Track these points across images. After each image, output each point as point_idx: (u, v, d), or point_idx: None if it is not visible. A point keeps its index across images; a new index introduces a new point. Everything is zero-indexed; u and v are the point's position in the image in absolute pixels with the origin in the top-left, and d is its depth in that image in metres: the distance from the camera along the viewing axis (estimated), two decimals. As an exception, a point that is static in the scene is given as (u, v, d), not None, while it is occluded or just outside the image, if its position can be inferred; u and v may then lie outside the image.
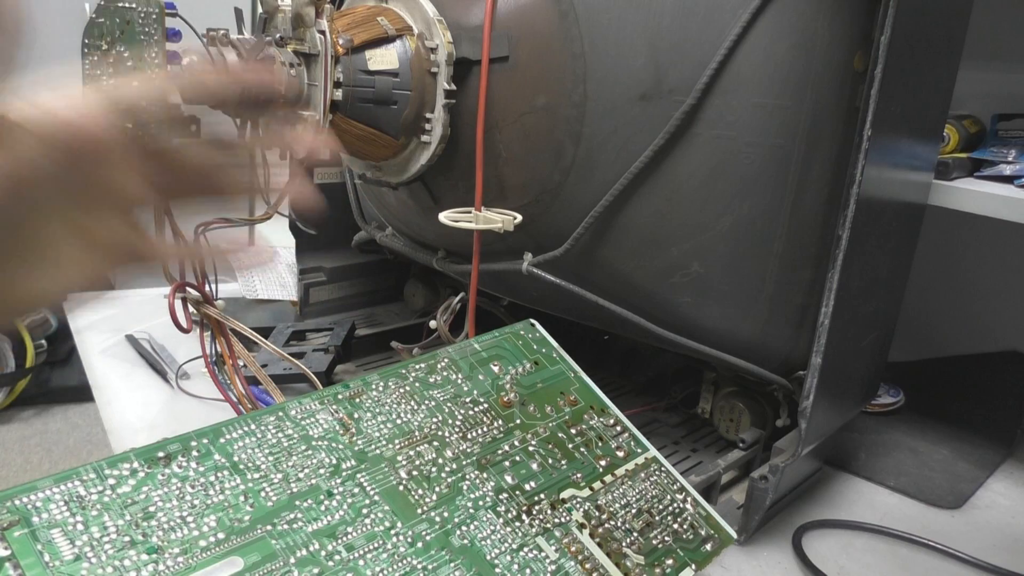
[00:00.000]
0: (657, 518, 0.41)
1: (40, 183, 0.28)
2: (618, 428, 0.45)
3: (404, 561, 0.33)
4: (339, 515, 0.33)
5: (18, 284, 0.29)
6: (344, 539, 0.32)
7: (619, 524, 0.39)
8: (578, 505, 0.39)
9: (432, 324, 0.57)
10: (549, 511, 0.38)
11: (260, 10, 0.46)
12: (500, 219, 0.50)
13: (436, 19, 0.50)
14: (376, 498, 0.34)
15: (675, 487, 0.44)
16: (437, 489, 0.36)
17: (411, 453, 0.37)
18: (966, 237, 0.81)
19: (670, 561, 0.39)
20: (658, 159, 0.48)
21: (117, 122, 0.29)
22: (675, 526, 0.41)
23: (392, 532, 0.33)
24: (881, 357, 0.59)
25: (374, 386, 0.39)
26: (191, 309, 0.47)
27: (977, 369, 0.81)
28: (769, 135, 0.47)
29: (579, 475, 0.41)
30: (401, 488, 0.35)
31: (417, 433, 0.38)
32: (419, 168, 0.53)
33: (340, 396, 0.38)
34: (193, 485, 0.31)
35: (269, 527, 0.31)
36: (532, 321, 0.49)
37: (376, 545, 0.33)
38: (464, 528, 0.35)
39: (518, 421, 0.42)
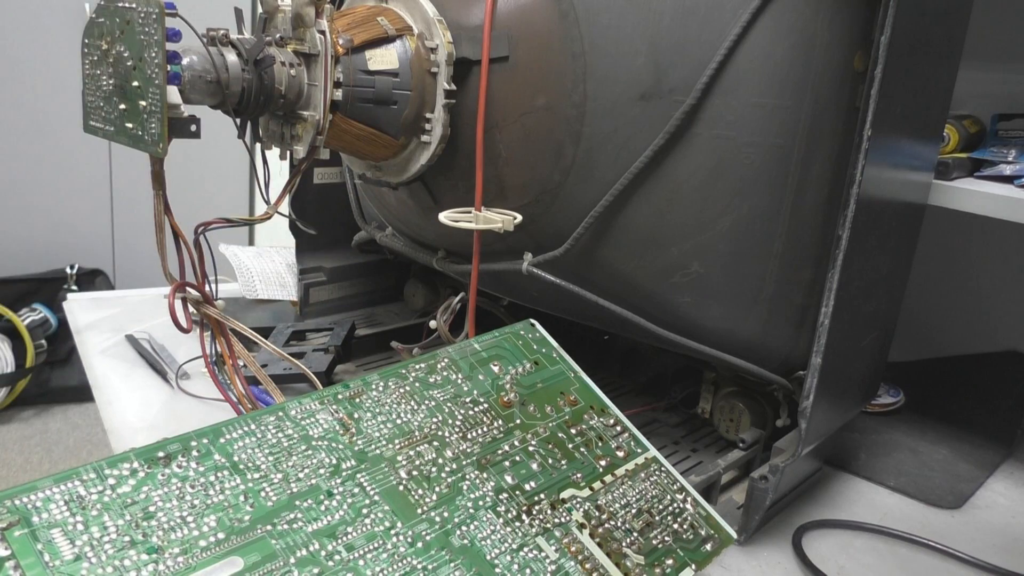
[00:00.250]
0: (657, 518, 0.41)
1: None
2: (618, 428, 0.45)
3: (404, 561, 0.33)
4: (339, 515, 0.33)
5: None
6: (344, 539, 0.32)
7: (619, 524, 0.39)
8: (578, 505, 0.39)
9: (432, 324, 0.57)
10: (549, 511, 0.38)
11: (260, 10, 0.46)
12: (500, 219, 0.50)
13: (436, 19, 0.50)
14: (376, 498, 0.34)
15: (675, 487, 0.44)
16: (437, 489, 0.36)
17: (411, 453, 0.37)
18: (966, 237, 0.81)
19: (670, 561, 0.39)
20: (658, 159, 0.48)
21: None
22: (675, 526, 0.41)
23: (392, 532, 0.33)
24: (881, 357, 0.59)
25: (374, 386, 0.39)
26: (191, 309, 0.47)
27: (977, 369, 0.81)
28: (769, 135, 0.47)
29: (579, 475, 0.41)
30: (401, 488, 0.35)
31: (417, 433, 0.38)
32: (419, 168, 0.53)
33: (340, 396, 0.38)
34: (193, 485, 0.31)
35: (269, 527, 0.31)
36: (532, 321, 0.49)
37: (376, 545, 0.33)
38: (464, 528, 0.35)
39: (518, 421, 0.42)
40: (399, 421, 0.38)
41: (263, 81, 0.43)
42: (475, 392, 0.42)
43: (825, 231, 0.50)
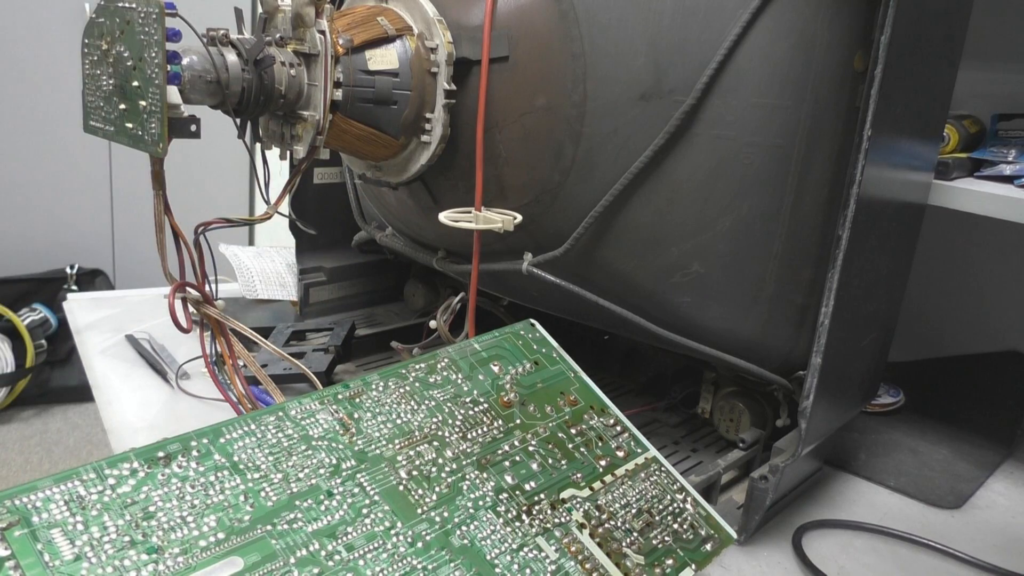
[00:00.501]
0: (657, 518, 0.41)
1: None
2: (618, 428, 0.45)
3: (404, 561, 0.33)
4: (339, 515, 0.33)
5: None
6: (344, 539, 0.32)
7: (619, 524, 0.39)
8: (578, 505, 0.39)
9: (432, 324, 0.57)
10: (549, 511, 0.38)
11: (260, 10, 0.46)
12: (500, 219, 0.50)
13: (436, 19, 0.50)
14: (376, 498, 0.34)
15: (675, 487, 0.44)
16: (437, 489, 0.36)
17: (411, 453, 0.37)
18: (966, 237, 0.81)
19: (670, 561, 0.39)
20: (658, 159, 0.48)
21: None
22: (675, 526, 0.41)
23: (392, 532, 0.33)
24: (881, 357, 0.59)
25: (374, 386, 0.39)
26: (191, 309, 0.47)
27: (977, 369, 0.81)
28: (769, 135, 0.47)
29: (579, 475, 0.41)
30: (401, 488, 0.35)
31: (417, 433, 0.38)
32: (419, 168, 0.53)
33: (340, 396, 0.38)
34: (193, 485, 0.31)
35: (269, 527, 0.31)
36: (532, 321, 0.49)
37: (376, 545, 0.33)
38: (464, 528, 0.35)
39: (518, 421, 0.42)
40: (399, 421, 0.38)
41: (263, 81, 0.43)
42: (475, 392, 0.42)
43: (825, 231, 0.50)
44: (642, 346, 0.70)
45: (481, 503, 0.37)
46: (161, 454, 0.31)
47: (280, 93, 0.44)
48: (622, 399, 0.67)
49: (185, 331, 0.45)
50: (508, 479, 0.38)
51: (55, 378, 1.81)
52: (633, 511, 0.41)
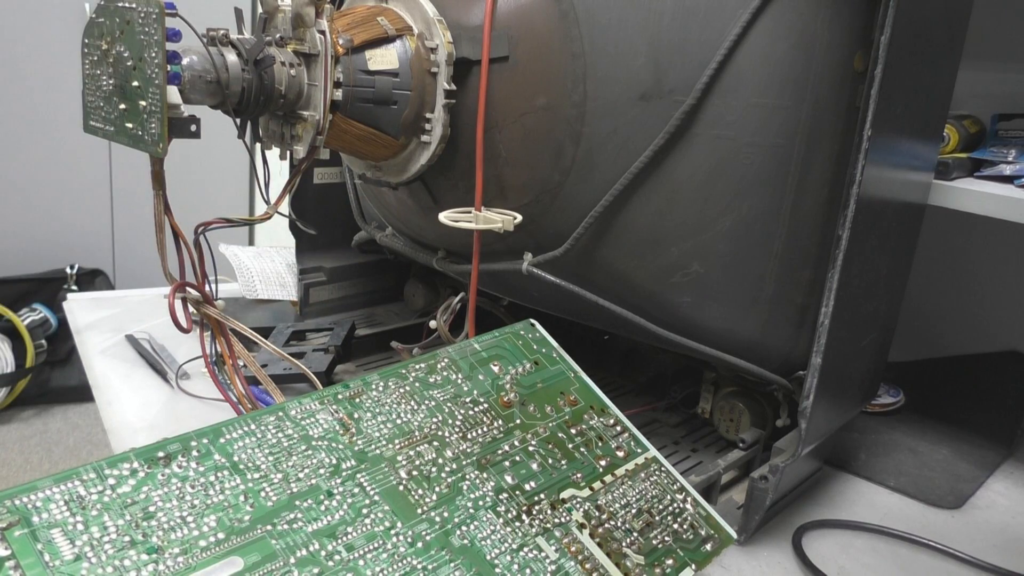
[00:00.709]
0: (657, 518, 0.41)
1: None
2: (618, 428, 0.45)
3: (404, 561, 0.33)
4: (339, 515, 0.33)
5: None
6: (344, 539, 0.32)
7: (619, 524, 0.39)
8: (578, 505, 0.39)
9: (432, 324, 0.57)
10: (549, 511, 0.38)
11: (260, 10, 0.46)
12: (500, 219, 0.50)
13: (436, 19, 0.50)
14: (376, 498, 0.34)
15: (675, 487, 0.44)
16: (437, 489, 0.36)
17: (411, 453, 0.37)
18: (966, 237, 0.81)
19: (670, 561, 0.39)
20: (658, 159, 0.48)
21: None
22: (675, 526, 0.41)
23: (392, 532, 0.33)
24: (881, 357, 0.59)
25: (374, 386, 0.39)
26: (191, 309, 0.47)
27: (977, 369, 0.81)
28: (769, 135, 0.47)
29: (579, 475, 0.41)
30: (401, 488, 0.35)
31: (417, 433, 0.38)
32: (419, 168, 0.53)
33: (340, 396, 0.38)
34: (193, 485, 0.31)
35: (269, 527, 0.31)
36: (532, 321, 0.49)
37: (376, 545, 0.33)
38: (464, 528, 0.35)
39: (518, 421, 0.42)
40: (399, 421, 0.38)
41: (263, 81, 0.43)
42: (475, 392, 0.42)
43: (825, 231, 0.50)
44: (642, 346, 0.70)
45: (481, 503, 0.37)
46: (161, 454, 0.31)
47: (280, 93, 0.44)
48: (622, 399, 0.67)
49: (185, 331, 0.45)
50: (508, 479, 0.38)
51: (55, 378, 1.81)
52: (633, 511, 0.41)
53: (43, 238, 1.88)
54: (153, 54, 0.38)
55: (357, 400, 0.38)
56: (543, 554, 0.36)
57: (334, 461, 0.35)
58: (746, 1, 0.46)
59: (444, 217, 0.50)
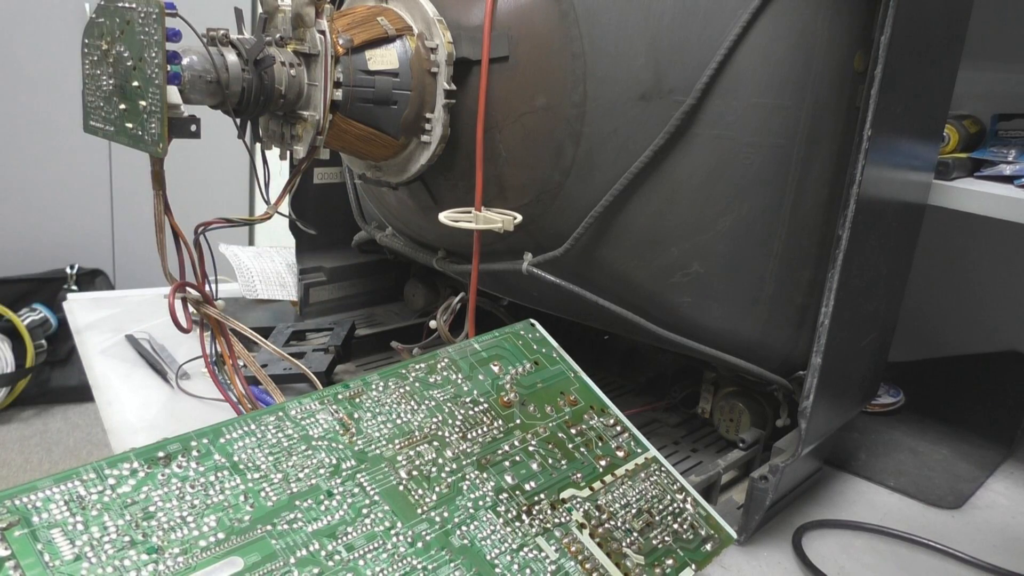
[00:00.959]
0: (657, 518, 0.41)
1: None
2: (618, 428, 0.45)
3: (404, 561, 0.33)
4: (339, 515, 0.33)
5: None
6: (344, 539, 0.32)
7: (619, 524, 0.39)
8: (578, 505, 0.39)
9: (432, 324, 0.57)
10: (549, 511, 0.38)
11: (260, 10, 0.46)
12: (500, 219, 0.50)
13: (436, 19, 0.50)
14: (376, 498, 0.34)
15: (675, 487, 0.44)
16: (437, 489, 0.36)
17: (411, 453, 0.37)
18: (966, 237, 0.81)
19: (670, 561, 0.39)
20: (658, 159, 0.48)
21: None
22: (675, 526, 0.41)
23: (392, 532, 0.33)
24: (881, 357, 0.59)
25: (374, 386, 0.39)
26: (191, 309, 0.47)
27: (977, 369, 0.81)
28: (769, 135, 0.47)
29: (579, 475, 0.41)
30: (401, 488, 0.35)
31: (417, 433, 0.38)
32: (419, 168, 0.53)
33: (340, 396, 0.38)
34: (193, 485, 0.31)
35: (269, 527, 0.31)
36: (532, 321, 0.49)
37: (376, 545, 0.33)
38: (464, 528, 0.35)
39: (518, 421, 0.42)
40: (399, 421, 0.38)
41: (263, 81, 0.43)
42: (475, 392, 0.42)
43: (825, 231, 0.50)
44: (642, 346, 0.70)
45: (481, 503, 0.37)
46: (161, 454, 0.31)
47: (280, 93, 0.44)
48: (622, 399, 0.67)
49: (185, 331, 0.45)
50: (508, 479, 0.38)
51: (55, 378, 1.81)
52: (633, 511, 0.41)
53: (43, 238, 1.88)
54: (153, 54, 0.38)
55: (357, 400, 0.38)
56: (543, 554, 0.36)
57: (334, 461, 0.35)
58: (746, 1, 0.46)
59: (444, 217, 0.50)
